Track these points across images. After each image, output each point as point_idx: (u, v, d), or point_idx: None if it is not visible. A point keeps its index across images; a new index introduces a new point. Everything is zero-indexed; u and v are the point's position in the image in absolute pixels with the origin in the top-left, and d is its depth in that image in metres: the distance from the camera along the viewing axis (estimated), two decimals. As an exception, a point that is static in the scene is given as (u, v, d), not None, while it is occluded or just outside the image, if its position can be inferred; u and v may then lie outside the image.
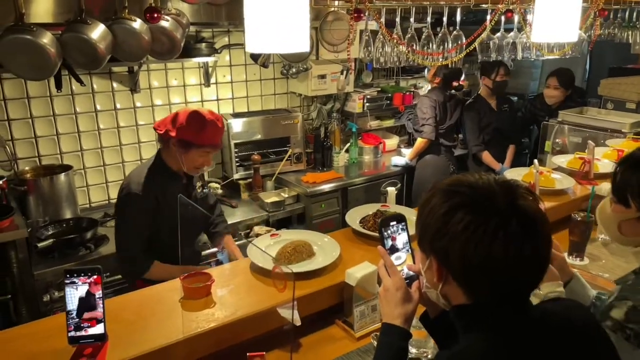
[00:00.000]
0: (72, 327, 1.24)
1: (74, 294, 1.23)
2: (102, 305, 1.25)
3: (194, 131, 2.04)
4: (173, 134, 2.04)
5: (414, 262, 1.26)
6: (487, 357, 0.90)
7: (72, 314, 1.24)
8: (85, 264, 2.40)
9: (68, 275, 1.22)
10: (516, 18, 2.57)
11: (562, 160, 2.85)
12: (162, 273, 2.06)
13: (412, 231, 1.10)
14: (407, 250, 1.25)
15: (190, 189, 2.29)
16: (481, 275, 0.90)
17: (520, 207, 0.90)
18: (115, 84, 3.12)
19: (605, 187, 2.33)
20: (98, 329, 1.26)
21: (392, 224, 1.23)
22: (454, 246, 0.90)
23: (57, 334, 1.32)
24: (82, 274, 1.22)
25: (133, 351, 1.30)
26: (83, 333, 1.25)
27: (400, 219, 1.26)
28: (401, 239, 1.25)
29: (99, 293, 1.24)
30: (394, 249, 1.24)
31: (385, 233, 1.22)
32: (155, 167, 2.16)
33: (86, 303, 1.24)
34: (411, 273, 1.23)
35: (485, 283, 0.91)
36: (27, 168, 2.89)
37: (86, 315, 1.24)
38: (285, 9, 1.14)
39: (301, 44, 1.20)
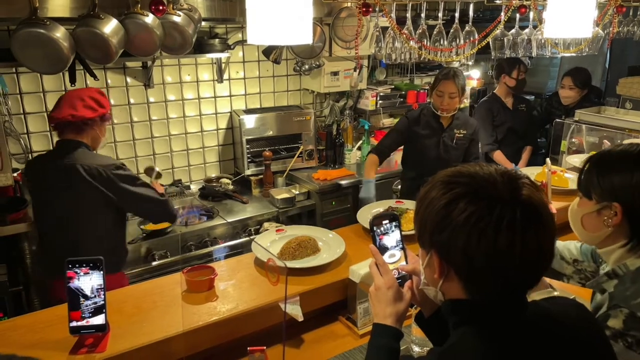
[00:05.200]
0: (73, 317, 1.25)
1: (76, 284, 1.24)
2: (103, 296, 1.26)
3: (107, 102, 2.21)
4: (105, 110, 2.18)
5: (406, 261, 1.24)
6: (480, 354, 0.88)
7: (73, 304, 1.25)
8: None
9: (70, 266, 1.23)
10: (531, 14, 2.52)
11: (576, 159, 2.79)
12: None
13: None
14: (401, 249, 1.23)
15: None
16: (485, 269, 0.86)
17: (524, 196, 0.86)
18: (129, 79, 3.15)
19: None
20: (99, 320, 1.27)
21: (384, 222, 1.22)
22: (456, 239, 0.86)
23: (59, 324, 1.33)
24: (84, 265, 1.23)
25: (134, 342, 1.31)
26: (84, 323, 1.26)
27: (393, 217, 1.24)
28: (394, 236, 1.23)
29: (100, 284, 1.25)
30: (386, 247, 1.22)
31: (378, 230, 1.21)
32: (90, 151, 2.22)
33: (88, 293, 1.25)
34: (404, 272, 1.21)
35: (488, 277, 0.88)
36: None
37: (88, 305, 1.25)
38: (287, 0, 1.13)
39: (303, 35, 1.19)
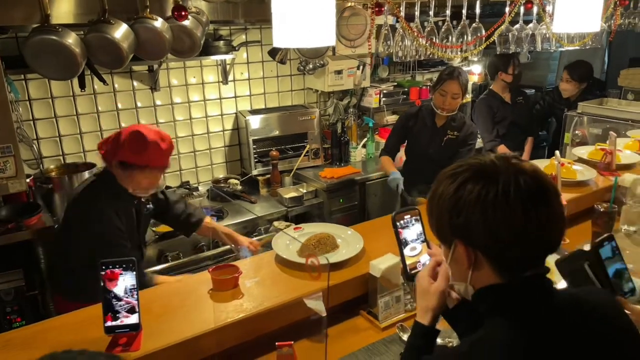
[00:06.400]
0: (108, 317, 1.28)
1: (110, 285, 1.27)
2: (136, 296, 1.29)
3: (135, 152, 1.90)
4: (113, 156, 1.93)
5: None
6: (511, 343, 0.90)
7: (108, 304, 1.28)
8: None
9: (104, 267, 1.26)
10: (535, 9, 2.55)
11: (582, 151, 2.83)
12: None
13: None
14: (422, 241, 1.27)
15: (142, 206, 2.15)
16: (509, 240, 0.91)
17: (523, 167, 0.93)
18: (135, 83, 3.18)
19: (628, 177, 2.32)
20: (133, 319, 1.29)
21: (405, 216, 1.25)
22: (474, 217, 0.91)
23: (91, 325, 1.36)
24: (117, 266, 1.26)
25: (166, 340, 1.34)
26: (118, 323, 1.29)
27: (415, 211, 1.28)
28: (415, 230, 1.26)
29: (133, 284, 1.28)
30: (407, 241, 1.25)
31: (399, 224, 1.24)
32: (107, 184, 2.02)
33: (121, 294, 1.28)
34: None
35: (514, 248, 0.92)
36: (52, 166, 2.95)
37: (121, 305, 1.28)
38: (311, 4, 1.16)
39: (327, 38, 1.22)
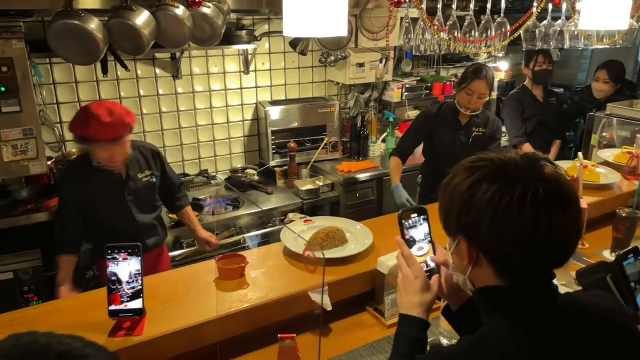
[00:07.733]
0: (112, 301, 1.29)
1: (115, 269, 1.28)
2: (141, 281, 1.30)
3: (80, 126, 2.02)
4: (72, 131, 2.10)
5: (435, 253, 1.24)
6: (517, 344, 0.88)
7: (112, 288, 1.29)
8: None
9: (109, 251, 1.27)
10: (564, 5, 2.47)
11: (608, 154, 2.74)
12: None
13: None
14: (429, 242, 1.24)
15: (127, 180, 2.23)
16: (513, 247, 0.87)
17: (545, 174, 0.88)
18: (158, 70, 3.20)
19: (653, 183, 2.23)
20: (137, 304, 1.31)
21: (412, 215, 1.22)
22: (483, 218, 0.88)
23: (97, 308, 1.38)
24: (123, 250, 1.27)
25: (170, 326, 1.35)
26: (122, 307, 1.30)
27: (422, 210, 1.25)
28: (422, 229, 1.23)
29: (138, 269, 1.29)
30: (415, 240, 1.22)
31: (406, 223, 1.21)
32: (82, 158, 2.21)
33: (126, 278, 1.29)
34: (432, 265, 1.21)
35: (517, 255, 0.88)
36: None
37: (126, 290, 1.29)
38: (323, -7, 1.14)
39: (339, 28, 1.20)
